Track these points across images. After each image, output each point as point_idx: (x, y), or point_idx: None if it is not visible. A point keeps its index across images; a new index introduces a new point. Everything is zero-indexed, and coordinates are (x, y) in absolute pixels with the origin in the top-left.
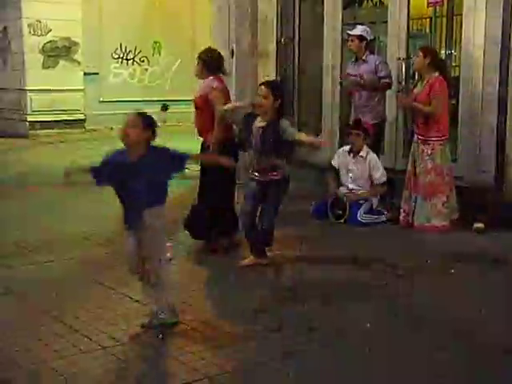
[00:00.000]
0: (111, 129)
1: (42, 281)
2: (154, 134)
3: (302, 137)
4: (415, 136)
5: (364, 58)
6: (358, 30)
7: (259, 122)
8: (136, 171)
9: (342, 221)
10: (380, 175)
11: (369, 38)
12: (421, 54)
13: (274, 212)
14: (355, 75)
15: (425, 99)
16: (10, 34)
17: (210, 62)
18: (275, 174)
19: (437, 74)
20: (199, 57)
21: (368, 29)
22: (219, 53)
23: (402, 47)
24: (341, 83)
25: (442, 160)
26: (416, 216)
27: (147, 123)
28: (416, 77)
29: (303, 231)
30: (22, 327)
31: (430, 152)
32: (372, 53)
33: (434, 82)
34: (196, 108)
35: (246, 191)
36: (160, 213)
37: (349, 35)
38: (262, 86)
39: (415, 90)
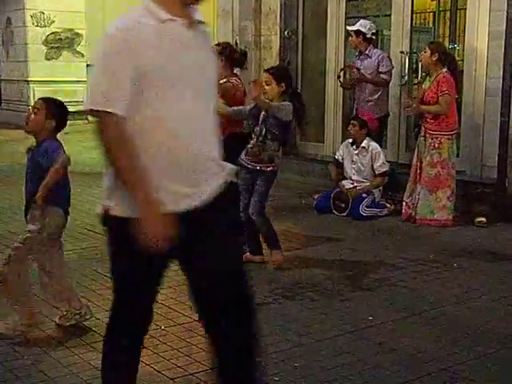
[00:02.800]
0: None
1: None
2: (59, 126)
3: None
4: (422, 129)
5: (367, 52)
6: (356, 26)
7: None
8: (28, 160)
9: (344, 214)
10: (380, 165)
11: (368, 33)
12: (428, 50)
13: (261, 205)
14: (357, 68)
15: (433, 96)
16: (13, 25)
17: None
18: (269, 165)
19: (444, 69)
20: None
21: (368, 23)
22: None
23: (406, 41)
24: (339, 76)
25: (449, 154)
26: (419, 209)
27: (52, 112)
28: (419, 71)
29: (306, 224)
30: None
31: (437, 145)
32: (375, 47)
33: (441, 79)
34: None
35: (240, 184)
36: (39, 214)
37: (350, 31)
38: (264, 73)
39: (423, 86)
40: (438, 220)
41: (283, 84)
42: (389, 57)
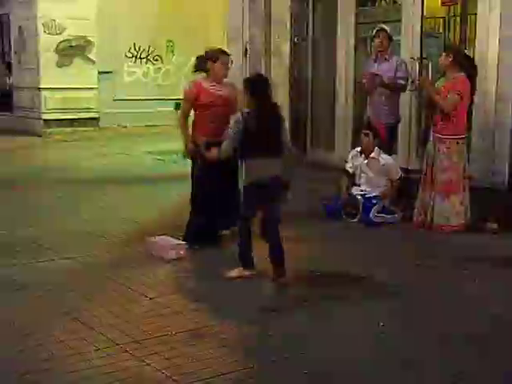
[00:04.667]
0: (125, 127)
1: (58, 278)
2: None
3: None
4: (431, 135)
5: (387, 56)
6: (388, 29)
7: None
8: None
9: (355, 220)
10: (396, 173)
11: (395, 39)
12: (446, 53)
13: (240, 216)
14: (376, 74)
15: (446, 95)
16: (26, 34)
17: None
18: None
19: (462, 73)
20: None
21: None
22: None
23: (416, 47)
24: (360, 82)
25: (458, 158)
26: (436, 216)
27: None
28: (430, 76)
29: (316, 231)
30: (38, 323)
31: (445, 151)
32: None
33: (458, 80)
34: (224, 106)
35: (245, 197)
36: None
37: (378, 31)
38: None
39: (437, 84)
40: (452, 225)
41: (249, 92)
42: (406, 64)
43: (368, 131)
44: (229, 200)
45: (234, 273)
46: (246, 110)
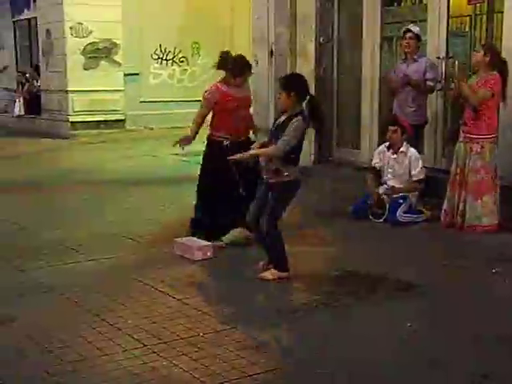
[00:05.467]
0: (151, 129)
1: (84, 280)
2: None
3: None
4: (461, 135)
5: (415, 57)
6: (416, 29)
7: (281, 118)
8: None
9: (381, 220)
10: (418, 171)
11: (422, 39)
12: (481, 50)
13: (270, 219)
14: (405, 74)
15: (477, 89)
16: (53, 37)
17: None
18: (276, 178)
19: (495, 72)
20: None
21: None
22: None
23: (442, 46)
24: (385, 77)
25: (491, 158)
26: (467, 216)
27: None
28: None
29: (342, 231)
30: (65, 324)
31: (479, 150)
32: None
33: (491, 78)
34: (246, 108)
35: (257, 191)
36: None
37: (405, 33)
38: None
39: (469, 82)
40: (484, 226)
41: (293, 93)
42: (435, 65)
43: (396, 127)
44: (236, 200)
45: (270, 275)
46: (298, 110)
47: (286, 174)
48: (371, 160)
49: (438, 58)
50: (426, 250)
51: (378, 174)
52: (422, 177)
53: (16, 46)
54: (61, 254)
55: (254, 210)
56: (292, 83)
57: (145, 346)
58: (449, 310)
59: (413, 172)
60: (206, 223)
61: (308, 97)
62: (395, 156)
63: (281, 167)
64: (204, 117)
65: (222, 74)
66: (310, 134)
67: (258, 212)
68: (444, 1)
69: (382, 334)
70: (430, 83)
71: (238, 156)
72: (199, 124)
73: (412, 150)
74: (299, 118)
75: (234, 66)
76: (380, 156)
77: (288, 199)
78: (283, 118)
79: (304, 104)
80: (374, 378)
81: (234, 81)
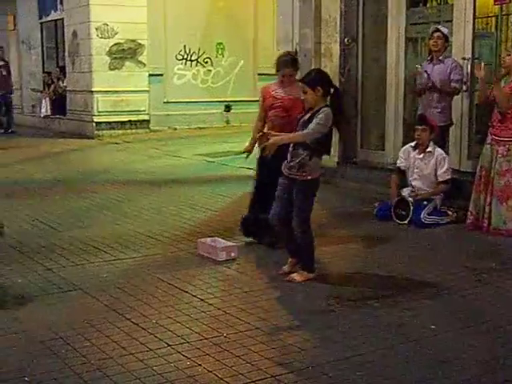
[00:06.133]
0: (175, 129)
1: (110, 278)
2: None
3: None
4: (488, 137)
5: (441, 58)
6: (445, 30)
7: (306, 115)
8: None
9: (405, 222)
10: (444, 172)
11: (450, 40)
12: None
13: (302, 219)
14: (428, 78)
15: (508, 93)
16: (79, 38)
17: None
18: (301, 174)
19: None
20: (294, 60)
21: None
22: None
23: (468, 47)
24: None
25: None
26: (493, 219)
27: None
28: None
29: (366, 232)
30: (90, 323)
31: (505, 153)
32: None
33: None
34: (284, 110)
35: (278, 189)
36: None
37: (434, 32)
38: (299, 83)
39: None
40: (509, 230)
41: (319, 88)
42: (461, 67)
43: (425, 126)
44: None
45: (300, 277)
46: (323, 105)
47: (310, 170)
48: (395, 161)
49: (464, 58)
50: (451, 252)
51: (402, 174)
52: (447, 178)
53: (43, 47)
54: (86, 253)
55: (278, 210)
56: (316, 79)
57: (169, 345)
58: (473, 313)
59: (438, 172)
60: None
61: (332, 89)
62: (421, 156)
63: (307, 161)
64: (259, 117)
65: (245, 76)
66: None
67: (284, 212)
68: (470, 1)
69: (406, 336)
70: (454, 85)
71: (266, 144)
72: (254, 127)
73: (439, 150)
74: (326, 108)
75: (277, 65)
76: (405, 156)
77: (314, 196)
78: (308, 114)
79: (328, 99)
80: (397, 380)
81: (278, 77)
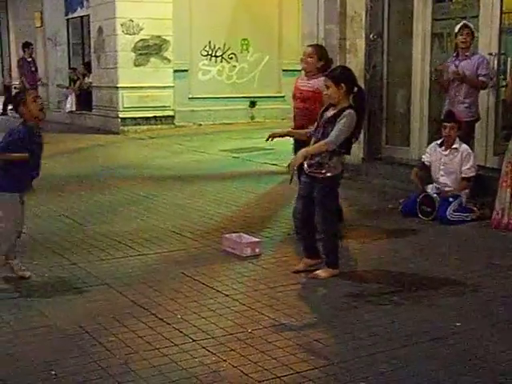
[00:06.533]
0: (199, 125)
1: (134, 273)
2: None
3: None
4: None
5: (467, 54)
6: (472, 26)
7: (329, 112)
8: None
9: (430, 218)
10: (468, 168)
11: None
12: None
13: (327, 216)
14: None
15: None
16: (105, 34)
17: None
18: (320, 171)
19: None
20: (317, 53)
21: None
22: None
23: (494, 42)
24: (436, 78)
25: None
26: None
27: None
28: (508, 72)
29: (391, 229)
30: (115, 318)
31: None
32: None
33: None
34: (302, 101)
35: (299, 187)
36: None
37: (462, 28)
38: (324, 77)
39: None
40: None
41: (342, 85)
42: (488, 62)
43: (452, 123)
44: None
45: (325, 274)
46: (346, 104)
47: (331, 166)
48: (420, 158)
49: (490, 54)
50: (476, 249)
51: (426, 169)
52: (471, 174)
53: (69, 43)
54: (111, 249)
55: (300, 207)
56: (341, 75)
57: (194, 340)
58: (498, 310)
59: (463, 168)
60: None
61: (356, 88)
62: (447, 152)
63: (326, 160)
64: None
65: (269, 72)
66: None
67: (305, 210)
68: None
69: (431, 333)
70: (482, 79)
71: (293, 161)
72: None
73: (464, 146)
74: (351, 110)
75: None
76: (431, 152)
77: (335, 192)
78: (332, 112)
79: (351, 97)
80: (424, 377)
81: None
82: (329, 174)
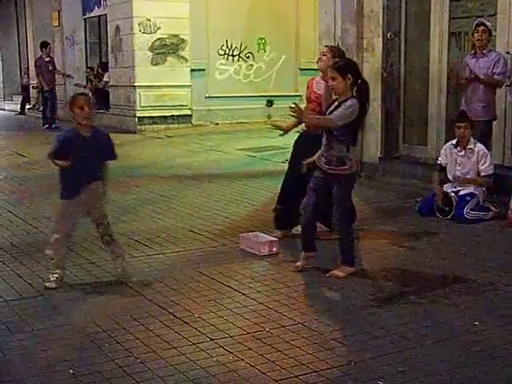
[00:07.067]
0: (216, 124)
1: (152, 272)
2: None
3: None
4: None
5: (484, 51)
6: (489, 23)
7: (332, 106)
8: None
9: (448, 217)
10: (487, 166)
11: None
12: None
13: (344, 214)
14: (471, 72)
15: None
16: (122, 33)
17: None
18: (342, 168)
19: None
20: (332, 52)
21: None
22: None
23: None
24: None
25: None
26: None
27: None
28: None
29: (408, 227)
30: (134, 317)
31: None
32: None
33: None
34: (319, 104)
35: (310, 183)
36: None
37: (478, 26)
38: (329, 69)
39: None
40: None
41: (350, 76)
42: (505, 59)
43: (465, 123)
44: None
45: (342, 272)
46: (349, 95)
47: (352, 161)
48: (438, 156)
49: (508, 53)
50: (493, 248)
51: (444, 171)
52: (490, 172)
53: (86, 42)
54: (129, 247)
55: (312, 201)
56: (348, 67)
57: (211, 339)
58: None
59: (481, 167)
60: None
61: (360, 81)
62: (462, 153)
63: (346, 154)
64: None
65: (286, 71)
66: (377, 130)
67: (316, 205)
68: None
69: (449, 333)
70: (497, 77)
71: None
72: None
73: (480, 146)
74: (354, 99)
75: None
76: (446, 153)
77: (352, 188)
78: (335, 104)
79: (355, 89)
80: (443, 376)
81: None
82: (352, 170)
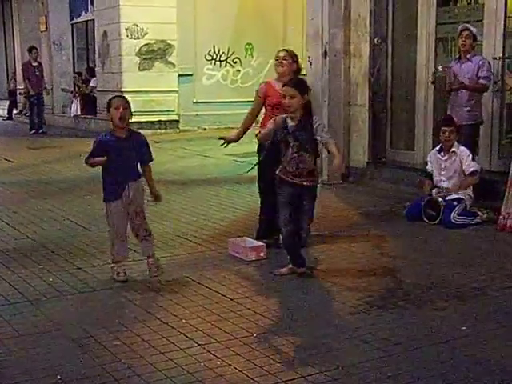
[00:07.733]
0: (204, 129)
1: (139, 277)
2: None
3: (333, 148)
4: None
5: (468, 56)
6: (474, 29)
7: (290, 122)
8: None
9: (435, 222)
10: (469, 164)
11: (478, 40)
12: None
13: (310, 221)
14: (456, 78)
15: None
16: (109, 38)
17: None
18: (313, 179)
19: None
20: (293, 56)
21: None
22: None
23: (498, 46)
24: (433, 82)
25: None
26: None
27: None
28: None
29: (395, 232)
30: (121, 323)
31: None
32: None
33: None
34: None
35: (280, 198)
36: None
37: (462, 31)
38: (285, 87)
39: None
40: None
41: (306, 96)
42: (489, 64)
43: (451, 127)
44: None
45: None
46: (304, 114)
47: (318, 172)
48: (425, 161)
49: (495, 58)
50: (481, 253)
51: (430, 177)
52: (475, 168)
53: (74, 47)
54: None
55: (288, 217)
56: (305, 86)
57: (199, 345)
58: (504, 314)
59: (465, 167)
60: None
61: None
62: (446, 157)
63: (312, 167)
64: (253, 111)
65: (274, 76)
66: (364, 135)
67: (294, 218)
68: (501, 0)
69: (437, 337)
70: (482, 81)
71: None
72: (246, 119)
73: (461, 148)
74: (317, 117)
75: None
76: (431, 159)
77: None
78: (296, 121)
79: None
80: (428, 380)
81: None
82: (318, 182)
